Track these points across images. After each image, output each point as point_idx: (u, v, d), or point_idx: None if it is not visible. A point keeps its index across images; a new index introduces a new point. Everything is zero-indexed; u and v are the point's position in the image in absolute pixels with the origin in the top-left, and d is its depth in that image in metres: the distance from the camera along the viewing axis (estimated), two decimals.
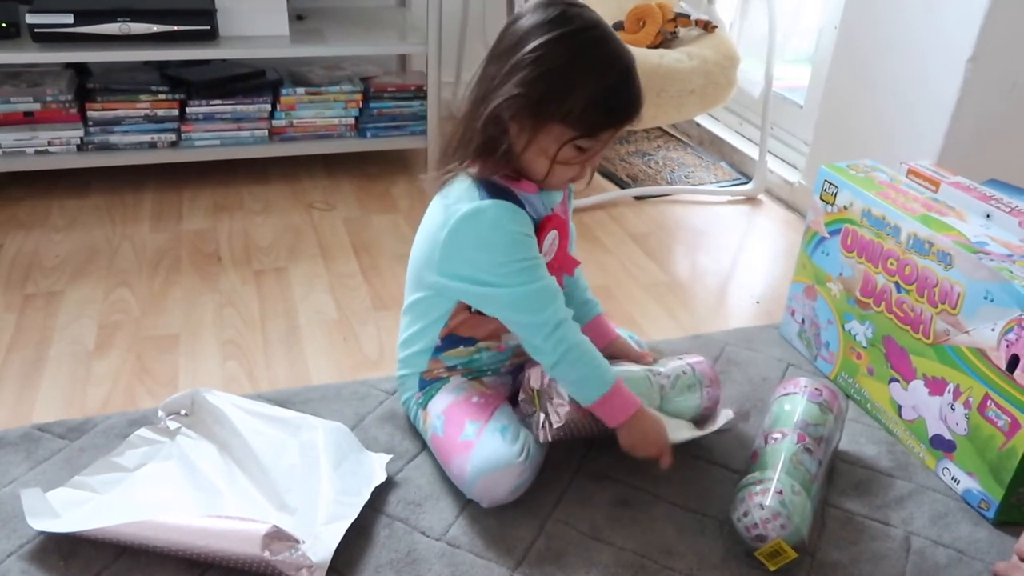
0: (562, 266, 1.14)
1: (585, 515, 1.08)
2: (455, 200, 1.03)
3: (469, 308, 1.11)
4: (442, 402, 1.13)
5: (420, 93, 2.07)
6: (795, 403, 1.16)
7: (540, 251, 1.06)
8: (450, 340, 1.14)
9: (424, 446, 1.17)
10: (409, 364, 1.18)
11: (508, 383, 1.19)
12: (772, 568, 1.01)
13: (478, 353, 1.16)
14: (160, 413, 1.17)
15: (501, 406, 1.11)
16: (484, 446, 1.05)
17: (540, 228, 1.07)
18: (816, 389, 1.18)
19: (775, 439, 1.10)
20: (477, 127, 1.01)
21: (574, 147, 1.00)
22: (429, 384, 1.17)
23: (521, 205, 1.04)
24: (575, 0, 1.01)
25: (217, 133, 1.97)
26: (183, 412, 1.18)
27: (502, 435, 1.06)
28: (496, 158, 1.02)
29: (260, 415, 1.16)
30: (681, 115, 1.95)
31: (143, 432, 1.15)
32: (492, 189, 1.03)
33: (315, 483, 1.05)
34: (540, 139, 1.00)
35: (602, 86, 0.97)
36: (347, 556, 0.99)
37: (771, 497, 1.00)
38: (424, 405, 1.16)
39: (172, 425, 1.16)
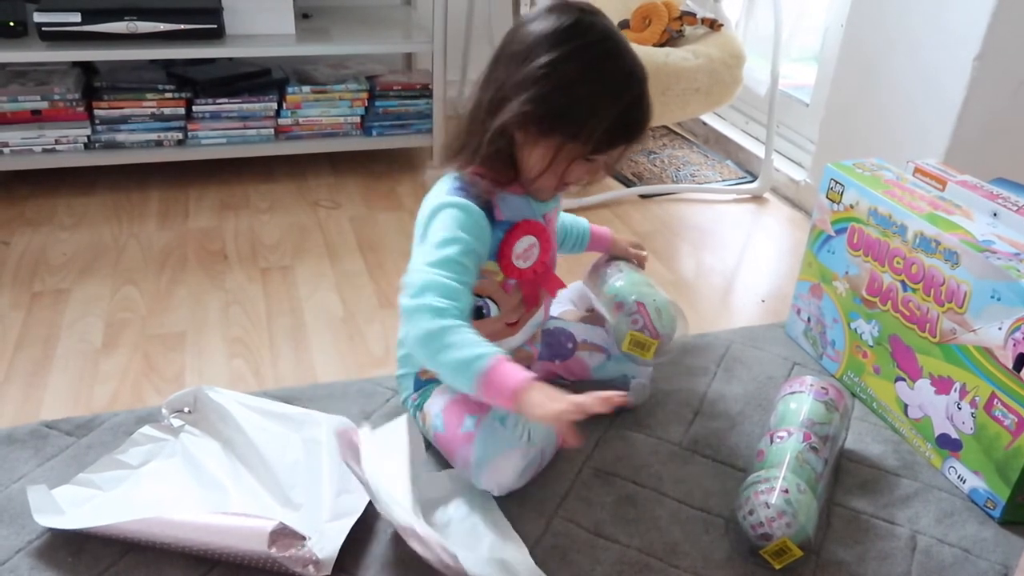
0: (543, 280, 1.13)
1: (590, 513, 1.08)
2: (431, 193, 1.04)
3: None
4: (439, 401, 1.13)
5: (425, 92, 2.08)
6: (801, 401, 1.16)
7: (512, 255, 1.06)
8: None
9: (429, 443, 1.17)
10: (406, 363, 1.18)
11: None
12: (777, 567, 1.01)
13: None
14: (164, 411, 1.18)
15: None
16: (485, 434, 1.05)
17: (514, 228, 1.06)
18: (822, 387, 1.18)
19: (780, 438, 1.10)
20: (485, 138, 0.99)
21: (582, 161, 1.00)
22: (424, 385, 1.16)
23: (491, 209, 1.03)
24: (588, 5, 0.99)
25: (223, 131, 1.97)
26: (186, 410, 1.18)
27: (501, 423, 1.06)
28: (499, 165, 1.01)
29: (263, 412, 1.17)
30: (686, 113, 1.95)
31: (147, 430, 1.15)
32: (467, 187, 1.02)
33: (319, 479, 1.06)
34: (545, 151, 0.99)
35: (615, 107, 0.95)
36: (352, 552, 0.99)
37: (777, 496, 1.00)
38: (421, 407, 1.16)
39: (176, 423, 1.17)
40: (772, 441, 1.11)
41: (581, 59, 0.94)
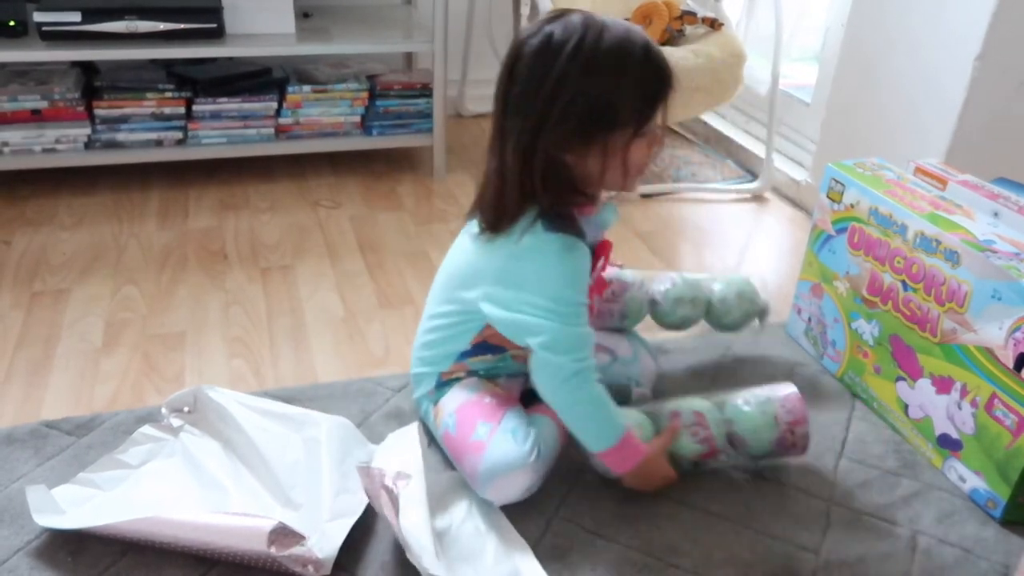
0: (596, 288, 1.14)
1: (590, 513, 1.08)
2: (516, 231, 1.01)
3: None
4: (454, 400, 1.12)
5: (426, 91, 2.07)
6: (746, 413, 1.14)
7: (591, 275, 1.07)
8: (480, 347, 1.13)
9: (430, 443, 1.17)
10: (430, 363, 1.16)
11: (520, 383, 1.19)
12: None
13: (503, 361, 1.16)
14: (163, 411, 1.18)
15: (512, 407, 1.11)
16: (495, 448, 1.05)
17: (595, 255, 1.06)
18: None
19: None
20: (534, 176, 0.98)
21: (637, 141, 0.99)
22: (444, 384, 1.16)
23: (582, 236, 1.03)
24: (551, 14, 0.98)
25: (223, 131, 1.97)
26: (186, 409, 1.18)
27: (513, 436, 1.05)
28: (567, 193, 1.01)
29: (263, 411, 1.16)
30: (687, 113, 1.95)
31: (146, 429, 1.15)
32: (556, 222, 1.01)
33: (319, 479, 1.06)
34: (597, 154, 0.98)
35: (633, 75, 0.96)
36: (352, 552, 0.99)
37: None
38: (436, 401, 1.15)
39: (175, 422, 1.17)
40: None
41: (577, 60, 0.94)
